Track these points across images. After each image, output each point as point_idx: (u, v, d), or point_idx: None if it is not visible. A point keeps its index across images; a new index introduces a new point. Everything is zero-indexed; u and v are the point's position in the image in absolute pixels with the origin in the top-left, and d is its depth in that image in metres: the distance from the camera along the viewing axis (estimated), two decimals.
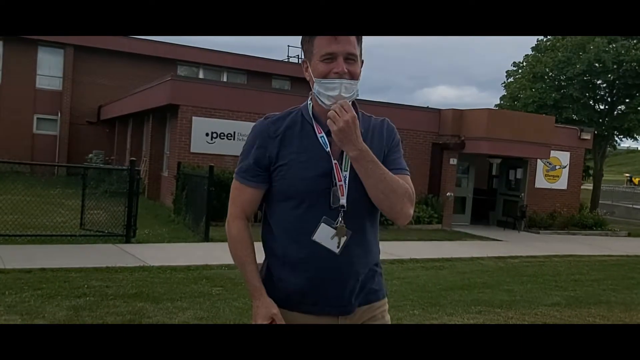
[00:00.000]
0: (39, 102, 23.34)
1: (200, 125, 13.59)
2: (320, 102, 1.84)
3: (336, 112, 1.73)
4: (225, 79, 26.01)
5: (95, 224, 9.74)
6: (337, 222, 1.81)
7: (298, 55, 28.84)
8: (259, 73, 26.64)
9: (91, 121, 24.01)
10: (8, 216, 9.93)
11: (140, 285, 6.42)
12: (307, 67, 1.89)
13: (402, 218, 1.83)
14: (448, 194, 15.38)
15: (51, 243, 8.67)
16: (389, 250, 9.63)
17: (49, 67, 23.78)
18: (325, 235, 1.81)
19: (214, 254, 8.80)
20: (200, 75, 25.72)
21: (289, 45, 35.09)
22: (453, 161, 15.52)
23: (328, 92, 1.79)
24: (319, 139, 1.86)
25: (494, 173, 18.34)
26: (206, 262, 8.00)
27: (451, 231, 14.74)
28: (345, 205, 1.82)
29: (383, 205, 1.82)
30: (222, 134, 13.81)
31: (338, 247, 1.82)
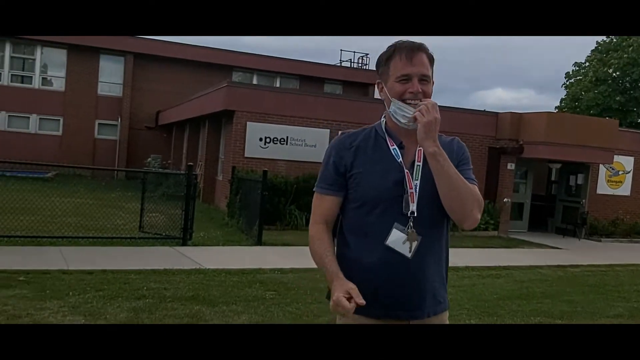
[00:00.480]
0: (101, 108, 24.30)
1: (254, 130, 13.77)
2: (395, 120, 1.99)
3: (427, 107, 1.87)
4: (278, 84, 26.32)
5: (154, 227, 10.01)
6: (408, 228, 1.93)
7: (350, 60, 28.84)
8: (311, 77, 26.79)
9: (149, 126, 24.78)
10: (71, 218, 10.36)
11: (196, 288, 6.53)
12: (383, 87, 2.03)
13: (470, 220, 1.93)
14: (505, 199, 14.96)
15: (111, 245, 8.97)
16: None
17: (110, 75, 24.72)
18: (398, 240, 1.93)
19: (267, 257, 8.88)
20: (254, 81, 26.10)
21: (341, 50, 35.13)
22: (511, 166, 15.09)
23: (404, 111, 1.94)
24: (392, 150, 2.00)
25: (553, 178, 17.72)
26: (259, 266, 8.07)
27: (508, 238, 14.32)
28: (415, 211, 1.93)
29: (454, 205, 1.91)
30: (275, 139, 13.94)
31: (410, 251, 1.93)
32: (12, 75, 23.42)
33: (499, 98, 70.97)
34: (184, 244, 9.40)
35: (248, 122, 13.77)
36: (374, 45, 27.98)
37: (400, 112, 1.94)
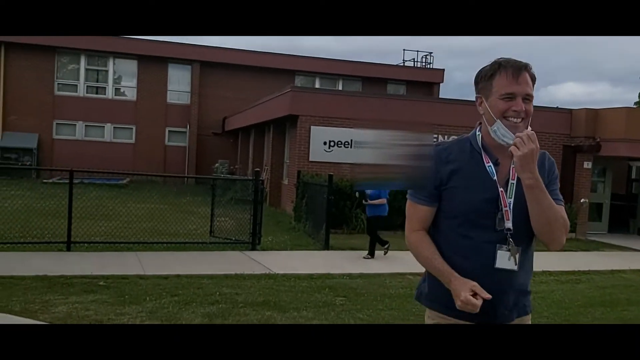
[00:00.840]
0: (170, 116, 25.15)
1: (319, 134, 13.79)
2: (496, 138, 2.00)
3: (522, 139, 1.86)
4: (340, 87, 26.31)
5: (223, 231, 10.21)
6: (509, 244, 2.01)
7: (413, 59, 28.43)
8: (374, 79, 26.62)
9: (216, 132, 25.40)
10: (146, 223, 10.72)
11: (267, 293, 6.58)
12: (482, 102, 2.05)
13: (557, 245, 2.01)
14: (582, 200, 14.24)
15: (184, 250, 9.21)
16: None
17: (178, 83, 25.54)
18: (504, 259, 2.01)
19: (335, 262, 8.84)
20: (317, 84, 26.22)
21: (404, 49, 34.70)
22: (587, 165, 14.34)
23: (505, 136, 1.97)
24: (487, 167, 2.04)
25: (634, 177, 16.72)
26: (328, 271, 8.04)
27: (586, 240, 13.62)
28: (511, 228, 2.00)
29: (543, 231, 1.99)
30: (339, 142, 13.91)
31: (515, 264, 2.02)
32: (87, 86, 24.65)
33: (570, 93, 68.00)
34: (253, 248, 9.52)
35: (312, 126, 13.82)
36: (436, 44, 27.48)
37: (501, 134, 1.97)
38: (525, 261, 2.08)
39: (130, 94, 25.14)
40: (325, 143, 13.84)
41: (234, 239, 9.83)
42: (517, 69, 1.97)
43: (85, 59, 24.52)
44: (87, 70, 24.63)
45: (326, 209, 10.37)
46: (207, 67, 25.18)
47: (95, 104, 24.40)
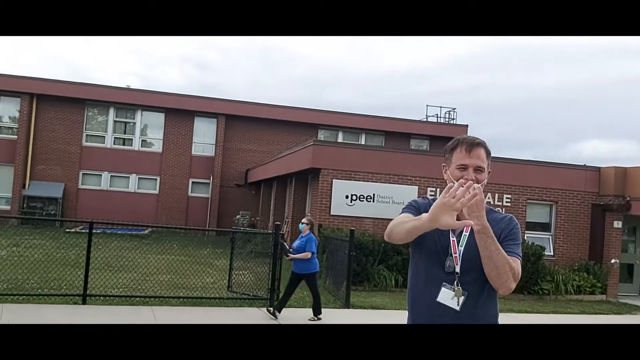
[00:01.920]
0: (194, 168, 25.42)
1: (340, 188, 13.69)
2: None
3: (466, 188, 2.10)
4: (363, 141, 26.40)
5: (241, 286, 9.99)
6: (455, 285, 2.31)
7: (437, 115, 28.54)
8: (397, 133, 26.69)
9: (239, 184, 25.53)
10: (164, 276, 10.59)
11: None
12: (446, 170, 2.46)
13: (504, 289, 2.28)
14: (613, 260, 13.72)
15: (201, 305, 9.00)
16: (548, 323, 8.62)
17: (204, 135, 25.94)
18: (447, 296, 2.32)
19: (356, 322, 8.52)
20: (340, 138, 26.37)
21: (427, 105, 34.96)
22: (617, 224, 13.90)
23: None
24: None
25: None
26: None
27: (618, 303, 13.01)
28: (459, 272, 2.32)
29: (492, 275, 2.26)
30: (361, 196, 13.77)
31: (458, 305, 2.30)
32: (114, 138, 25.16)
33: (596, 150, 67.36)
34: (271, 304, 9.25)
35: (334, 180, 13.74)
36: (460, 101, 27.60)
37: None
38: (478, 308, 2.32)
39: (157, 146, 25.57)
40: (347, 197, 13.71)
41: (251, 294, 9.60)
42: (471, 145, 2.38)
43: (114, 111, 25.13)
44: (115, 122, 25.21)
45: (347, 264, 10.12)
46: (232, 120, 25.59)
47: (122, 155, 24.82)
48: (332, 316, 9.04)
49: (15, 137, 23.62)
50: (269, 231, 11.76)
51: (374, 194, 13.75)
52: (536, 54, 63.58)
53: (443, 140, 27.01)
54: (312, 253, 8.36)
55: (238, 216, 22.68)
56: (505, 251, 2.25)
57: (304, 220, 8.88)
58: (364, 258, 12.11)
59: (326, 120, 26.33)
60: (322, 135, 26.24)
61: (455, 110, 28.66)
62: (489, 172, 2.41)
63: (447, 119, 28.42)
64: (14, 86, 23.50)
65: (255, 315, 8.59)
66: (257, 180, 23.57)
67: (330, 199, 13.68)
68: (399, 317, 9.12)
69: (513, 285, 2.26)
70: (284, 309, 8.59)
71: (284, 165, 17.88)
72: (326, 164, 13.87)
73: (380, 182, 13.75)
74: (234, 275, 10.34)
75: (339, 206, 13.67)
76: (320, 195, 13.80)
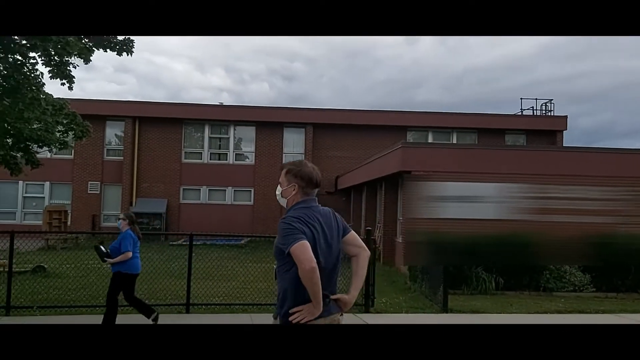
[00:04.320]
0: None
1: (432, 190, 13.34)
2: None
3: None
4: (454, 140, 25.69)
5: (336, 292, 9.97)
6: None
7: (532, 107, 27.20)
8: (490, 130, 25.70)
9: (329, 191, 25.71)
10: (262, 284, 10.83)
11: None
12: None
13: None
14: None
15: None
16: None
17: (293, 145, 26.46)
18: None
19: None
20: (430, 139, 25.84)
21: (521, 98, 33.40)
22: None
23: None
24: None
25: None
26: None
27: None
28: None
29: None
30: (455, 197, 13.33)
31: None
32: (210, 153, 26.29)
33: None
34: (367, 310, 9.18)
35: (425, 182, 13.42)
36: (556, 90, 26.12)
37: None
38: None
39: (249, 159, 26.41)
40: (439, 198, 13.33)
41: None
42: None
43: (209, 128, 26.26)
44: (210, 138, 26.35)
45: (443, 268, 9.82)
46: (320, 128, 25.88)
47: (218, 169, 25.87)
48: (431, 321, 8.79)
49: (122, 158, 25.35)
50: (361, 237, 11.69)
51: (467, 195, 13.26)
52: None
53: (541, 134, 25.69)
54: (132, 252, 7.18)
55: None
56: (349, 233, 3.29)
57: (120, 215, 7.59)
58: None
59: (414, 122, 25.92)
60: (411, 137, 25.84)
61: (552, 101, 27.14)
62: (294, 185, 3.20)
63: (543, 111, 26.99)
64: (119, 111, 25.28)
65: (350, 321, 8.53)
66: (347, 187, 23.62)
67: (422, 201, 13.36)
68: (502, 320, 8.70)
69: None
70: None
71: (373, 170, 17.76)
72: (416, 165, 13.59)
73: (474, 182, 13.25)
74: None
75: (432, 208, 13.31)
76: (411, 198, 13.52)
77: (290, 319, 2.94)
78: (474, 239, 11.99)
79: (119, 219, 7.43)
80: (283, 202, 3.22)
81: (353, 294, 3.17)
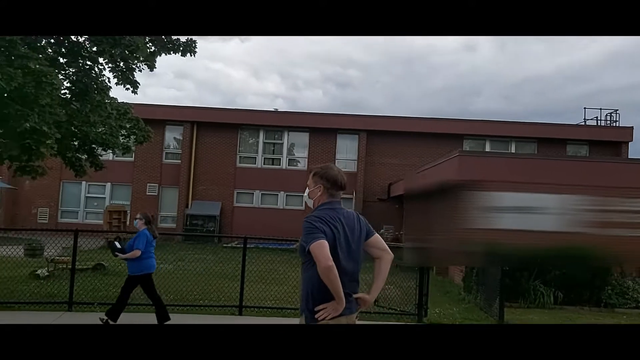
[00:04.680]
0: None
1: (489, 199, 13.01)
2: None
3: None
4: (513, 150, 25.02)
5: (387, 300, 9.86)
6: None
7: (597, 117, 26.17)
8: (551, 140, 24.87)
9: (382, 198, 25.53)
10: None
11: None
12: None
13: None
14: None
15: None
16: None
17: (346, 152, 26.45)
18: None
19: None
20: (487, 148, 25.26)
21: (585, 108, 32.21)
22: None
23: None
24: None
25: None
26: None
27: None
28: None
29: None
30: (513, 207, 12.95)
31: None
32: (264, 158, 26.64)
33: None
34: (419, 320, 9.02)
35: (482, 191, 13.10)
36: (622, 99, 25.03)
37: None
38: None
39: (302, 164, 26.57)
40: (497, 209, 12.98)
41: (398, 309, 9.43)
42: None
43: (264, 134, 26.62)
44: (264, 143, 26.70)
45: (499, 279, 9.53)
46: (374, 135, 25.77)
47: (271, 174, 26.17)
48: None
49: (179, 161, 26.05)
50: None
51: (527, 205, 12.86)
52: None
53: (605, 144, 24.68)
54: (143, 251, 7.23)
55: (382, 230, 22.61)
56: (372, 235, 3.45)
57: (137, 215, 7.66)
58: (518, 273, 11.34)
59: (471, 130, 25.41)
60: (467, 145, 25.35)
61: (617, 111, 26.01)
62: (320, 186, 3.39)
63: (608, 122, 25.89)
64: (178, 116, 26.02)
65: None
66: (400, 194, 23.37)
67: (479, 211, 13.05)
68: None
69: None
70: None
71: (427, 179, 17.49)
72: (472, 175, 13.29)
73: (534, 192, 12.83)
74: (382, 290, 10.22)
75: (488, 219, 12.98)
76: (467, 208, 13.23)
77: (316, 316, 3.06)
78: (533, 251, 11.61)
79: (136, 218, 7.65)
80: (310, 202, 3.41)
81: (373, 295, 3.29)
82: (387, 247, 3.43)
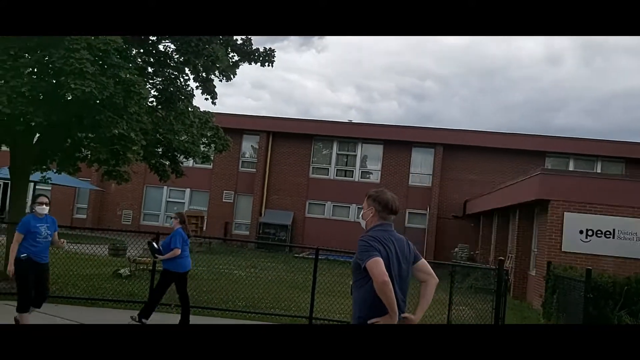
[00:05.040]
0: (411, 198, 25.54)
1: (574, 222, 12.35)
2: None
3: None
4: (599, 169, 23.70)
5: (461, 321, 9.54)
6: None
7: None
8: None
9: (457, 215, 24.88)
10: None
11: None
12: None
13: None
14: None
15: None
16: None
17: (421, 166, 26.03)
18: None
19: None
20: (571, 167, 24.08)
21: None
22: None
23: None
24: None
25: None
26: None
27: None
28: None
29: None
30: (599, 232, 12.23)
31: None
32: (337, 170, 26.71)
33: None
34: None
35: (565, 213, 12.47)
36: None
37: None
38: None
39: (374, 176, 26.42)
40: (581, 232, 12.31)
41: None
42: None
43: (337, 145, 26.73)
44: (338, 155, 26.80)
45: (583, 308, 8.99)
46: (450, 149, 25.22)
47: (343, 186, 26.19)
48: None
49: (255, 170, 26.63)
50: (491, 266, 11.11)
51: (614, 229, 12.11)
52: None
53: None
54: (180, 248, 7.30)
55: (456, 249, 22.02)
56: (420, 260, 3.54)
57: (172, 214, 7.66)
58: (603, 301, 10.62)
59: (554, 147, 24.32)
60: (549, 163, 24.27)
61: None
62: (372, 208, 3.61)
63: None
64: (255, 125, 26.65)
65: None
66: (476, 212, 22.67)
67: (562, 234, 12.42)
68: None
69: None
70: None
71: (506, 196, 16.87)
72: (556, 194, 12.67)
73: (622, 216, 12.07)
74: (453, 310, 9.92)
75: (572, 242, 12.32)
76: (549, 230, 12.62)
77: None
78: (620, 279, 10.87)
79: (171, 217, 7.82)
80: (363, 223, 3.59)
81: (418, 315, 3.40)
82: (433, 272, 3.56)
